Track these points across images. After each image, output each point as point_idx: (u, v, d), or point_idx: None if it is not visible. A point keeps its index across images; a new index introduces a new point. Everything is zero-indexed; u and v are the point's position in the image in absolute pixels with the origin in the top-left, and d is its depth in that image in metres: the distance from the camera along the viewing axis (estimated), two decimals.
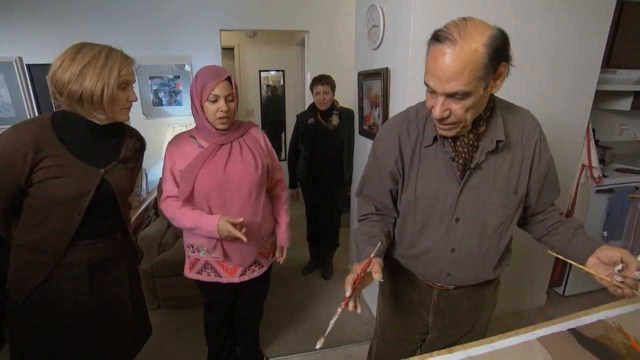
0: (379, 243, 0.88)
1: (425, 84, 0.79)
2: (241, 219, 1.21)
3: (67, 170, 0.97)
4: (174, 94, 3.19)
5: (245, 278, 1.42)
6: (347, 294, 0.77)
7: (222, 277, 1.40)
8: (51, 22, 2.82)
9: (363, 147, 2.25)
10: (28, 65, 2.86)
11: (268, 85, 5.47)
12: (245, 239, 1.19)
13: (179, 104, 3.21)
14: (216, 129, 1.27)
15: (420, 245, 0.99)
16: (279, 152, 1.53)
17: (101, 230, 1.08)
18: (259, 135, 1.40)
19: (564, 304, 2.34)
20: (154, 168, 3.19)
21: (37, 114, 2.97)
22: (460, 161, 0.88)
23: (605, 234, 2.28)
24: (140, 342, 1.29)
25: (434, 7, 1.52)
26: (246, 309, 1.62)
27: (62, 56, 0.95)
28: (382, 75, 1.78)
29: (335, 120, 2.38)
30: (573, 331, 0.87)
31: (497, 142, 0.86)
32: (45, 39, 2.80)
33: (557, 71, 1.81)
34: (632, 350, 0.81)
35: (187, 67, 3.15)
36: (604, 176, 2.21)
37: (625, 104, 2.41)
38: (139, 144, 1.19)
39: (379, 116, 1.93)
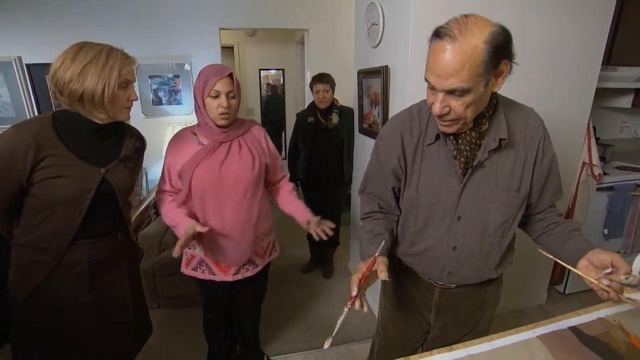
0: (383, 242, 0.88)
1: (426, 80, 0.79)
2: (206, 228, 1.19)
3: (68, 169, 0.97)
4: (173, 93, 3.19)
5: (239, 277, 1.42)
6: (354, 293, 0.77)
7: (215, 275, 1.40)
8: (50, 21, 2.82)
9: (363, 146, 2.24)
10: (27, 65, 2.86)
11: (268, 84, 5.47)
12: (203, 230, 1.17)
13: (178, 103, 3.21)
14: (217, 126, 1.27)
15: (422, 244, 0.99)
16: (279, 151, 1.53)
17: (102, 230, 1.08)
18: (260, 134, 1.41)
19: (564, 302, 2.35)
20: (154, 167, 3.19)
21: (36, 113, 2.97)
22: (462, 159, 0.88)
23: (605, 231, 2.28)
24: (141, 342, 1.30)
25: (433, 5, 1.52)
26: (244, 309, 1.62)
27: (62, 55, 0.95)
28: (381, 73, 1.78)
29: (335, 118, 2.37)
30: (573, 329, 0.87)
31: (500, 140, 0.85)
32: (45, 38, 2.80)
33: (558, 69, 1.80)
34: (633, 347, 0.81)
35: (186, 66, 3.14)
36: (605, 174, 2.20)
37: (626, 102, 2.41)
38: (140, 143, 1.19)
39: (378, 114, 1.92)
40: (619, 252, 1.73)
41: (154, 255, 2.25)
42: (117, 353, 1.19)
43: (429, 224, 0.96)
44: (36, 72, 2.87)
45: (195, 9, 3.06)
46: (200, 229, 1.16)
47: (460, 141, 0.87)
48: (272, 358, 1.89)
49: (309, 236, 2.73)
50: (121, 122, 1.11)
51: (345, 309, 0.75)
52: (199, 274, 1.42)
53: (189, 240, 1.15)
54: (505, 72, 0.78)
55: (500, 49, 0.73)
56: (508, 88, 0.89)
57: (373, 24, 1.87)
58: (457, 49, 0.71)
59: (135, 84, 1.06)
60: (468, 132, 0.86)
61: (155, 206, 2.70)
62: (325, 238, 1.33)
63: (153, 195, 2.74)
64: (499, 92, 0.86)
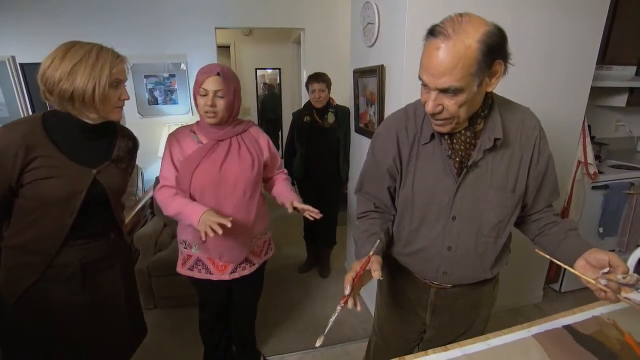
0: (378, 241, 0.88)
1: (420, 78, 0.79)
2: (230, 219, 1.11)
3: (59, 171, 0.96)
4: (169, 92, 3.17)
5: (236, 276, 1.42)
6: (347, 292, 0.77)
7: (212, 274, 1.40)
8: (45, 21, 2.79)
9: (359, 145, 2.24)
10: (22, 65, 2.84)
11: (265, 84, 5.46)
12: (229, 225, 1.09)
13: (174, 102, 3.19)
14: (211, 125, 1.30)
15: (417, 243, 0.99)
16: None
17: (94, 231, 1.07)
18: (258, 135, 1.42)
19: (560, 300, 2.35)
20: (150, 167, 3.18)
21: (31, 113, 2.94)
22: (457, 159, 0.87)
23: (601, 230, 2.29)
24: (136, 343, 1.29)
25: (428, 5, 1.52)
26: (240, 308, 1.62)
27: (52, 55, 0.94)
28: (377, 72, 1.78)
29: (331, 118, 2.37)
30: (568, 328, 0.88)
31: (495, 140, 0.85)
32: (39, 38, 2.77)
33: (553, 68, 1.80)
34: (627, 346, 0.81)
35: (182, 66, 3.12)
36: (600, 173, 2.21)
37: (621, 101, 2.42)
38: (132, 143, 1.18)
39: (375, 114, 1.92)
40: (614, 251, 1.74)
41: (150, 255, 2.24)
42: (111, 354, 1.18)
43: (424, 224, 0.96)
44: (30, 72, 2.84)
45: (191, 9, 3.05)
46: (223, 220, 1.09)
47: (455, 141, 0.87)
48: (268, 358, 1.88)
49: (306, 236, 2.76)
50: (113, 123, 1.10)
51: (338, 308, 0.75)
52: (195, 274, 1.42)
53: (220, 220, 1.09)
54: (500, 73, 0.77)
55: (495, 49, 0.72)
56: (503, 87, 0.89)
57: (369, 23, 1.87)
58: (450, 47, 0.70)
59: (131, 84, 1.05)
60: (463, 131, 0.86)
61: (151, 206, 2.69)
62: (317, 218, 1.28)
63: (149, 195, 2.72)
64: (494, 91, 0.85)
